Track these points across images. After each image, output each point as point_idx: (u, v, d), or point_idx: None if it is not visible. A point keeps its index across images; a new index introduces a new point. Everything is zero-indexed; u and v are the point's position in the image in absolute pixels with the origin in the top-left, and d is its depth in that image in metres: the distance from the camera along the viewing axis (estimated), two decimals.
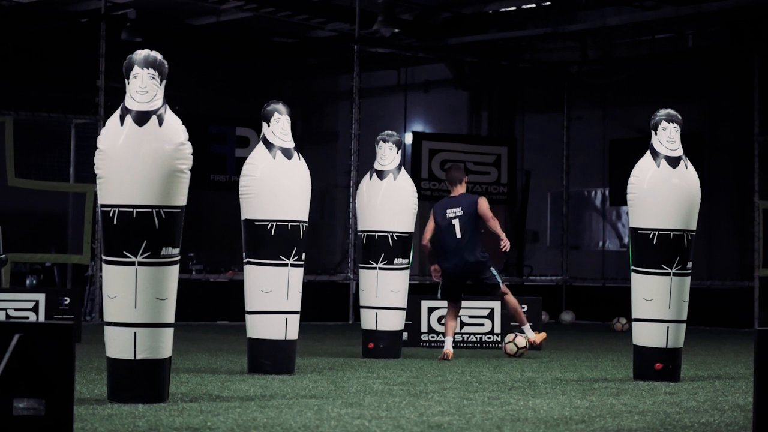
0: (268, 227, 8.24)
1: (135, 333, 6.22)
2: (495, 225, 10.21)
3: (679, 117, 8.39)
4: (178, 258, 6.38)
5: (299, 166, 8.39)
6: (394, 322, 10.21)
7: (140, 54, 6.46)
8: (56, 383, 4.29)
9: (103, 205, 6.34)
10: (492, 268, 10.34)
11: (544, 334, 10.59)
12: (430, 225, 10.36)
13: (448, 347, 10.12)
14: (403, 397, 6.75)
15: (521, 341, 10.41)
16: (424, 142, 19.82)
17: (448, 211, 10.28)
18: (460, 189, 10.42)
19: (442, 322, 11.77)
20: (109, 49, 16.11)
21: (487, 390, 7.32)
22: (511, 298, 10.32)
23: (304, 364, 9.07)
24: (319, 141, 21.82)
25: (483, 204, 10.25)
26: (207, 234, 20.37)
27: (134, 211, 6.23)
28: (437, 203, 10.59)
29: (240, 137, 18.22)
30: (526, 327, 10.36)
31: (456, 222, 10.21)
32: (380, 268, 10.16)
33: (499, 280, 10.34)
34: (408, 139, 19.93)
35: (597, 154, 20.07)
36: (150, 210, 6.24)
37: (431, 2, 19.47)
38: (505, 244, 10.00)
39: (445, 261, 10.24)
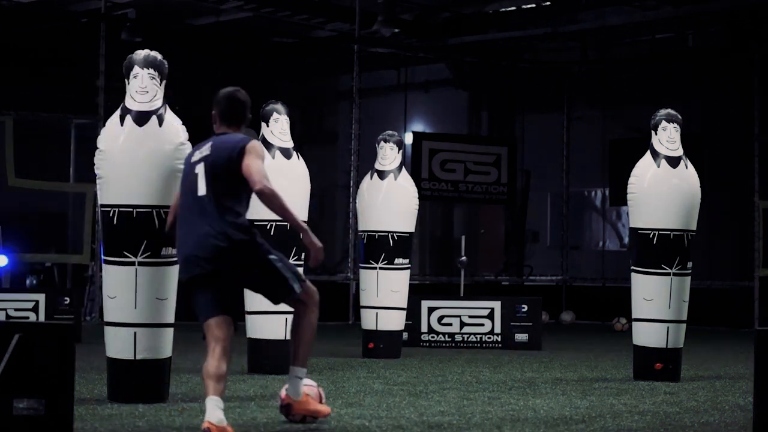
0: (268, 227, 8.25)
1: (135, 333, 6.23)
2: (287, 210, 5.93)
3: (679, 117, 8.40)
4: None
5: (298, 166, 8.41)
6: (394, 322, 10.22)
7: (140, 54, 6.47)
8: (56, 383, 4.32)
9: (103, 205, 6.35)
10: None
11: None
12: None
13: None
14: (403, 397, 6.76)
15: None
16: (424, 142, 19.83)
17: (195, 152, 5.80)
18: (226, 129, 5.95)
19: (443, 322, 11.79)
20: (109, 49, 16.11)
21: (487, 390, 7.34)
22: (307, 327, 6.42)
23: None
24: (318, 141, 21.82)
25: (254, 150, 5.69)
26: None
27: (134, 211, 6.24)
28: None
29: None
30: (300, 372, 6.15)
31: (200, 170, 5.66)
32: (381, 268, 10.17)
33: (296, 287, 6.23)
34: (408, 139, 19.92)
35: (597, 154, 20.07)
36: (150, 210, 6.26)
37: (431, 2, 19.48)
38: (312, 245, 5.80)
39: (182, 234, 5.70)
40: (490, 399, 6.76)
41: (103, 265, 6.43)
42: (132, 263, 6.23)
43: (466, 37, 19.93)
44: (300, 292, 5.87)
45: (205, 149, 5.70)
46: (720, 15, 17.84)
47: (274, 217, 8.21)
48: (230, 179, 5.52)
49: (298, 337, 6.01)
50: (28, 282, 18.05)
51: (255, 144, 5.66)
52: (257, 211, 8.28)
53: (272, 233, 8.24)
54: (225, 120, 5.93)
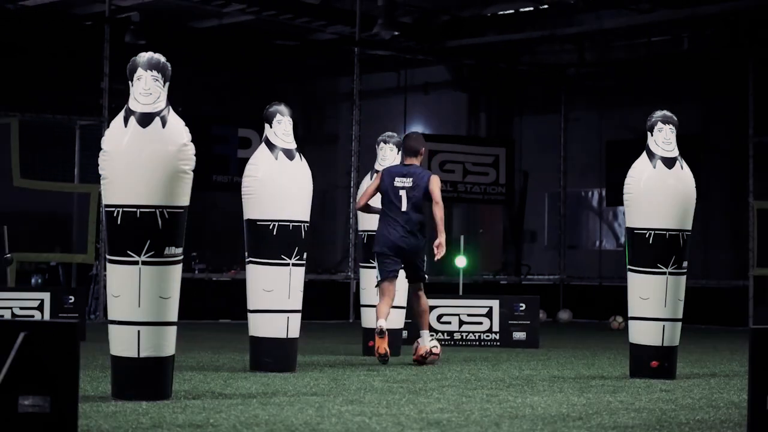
0: (270, 227, 8.28)
1: (139, 331, 6.22)
2: (440, 213, 9.10)
3: (675, 118, 8.43)
4: (181, 257, 6.39)
5: (301, 167, 8.42)
6: (394, 320, 10.26)
7: (144, 56, 6.45)
8: (61, 381, 4.30)
9: (107, 206, 6.34)
10: (425, 258, 9.44)
11: (435, 349, 9.27)
12: (374, 185, 9.39)
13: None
14: (403, 395, 6.76)
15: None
16: None
17: (397, 179, 9.28)
18: (411, 161, 9.36)
19: (442, 320, 11.85)
20: (113, 51, 16.16)
21: (486, 387, 7.35)
22: (425, 299, 9.37)
23: (306, 362, 9.09)
24: (320, 142, 21.86)
25: (435, 184, 9.21)
26: (210, 234, 20.42)
27: (138, 211, 6.22)
28: (385, 169, 9.49)
29: (242, 138, 18.27)
30: (425, 332, 9.31)
31: (404, 194, 9.22)
32: None
33: (425, 276, 9.39)
34: None
35: (594, 155, 20.12)
36: (153, 210, 6.23)
37: (431, 5, 19.53)
38: (439, 247, 8.95)
39: (384, 234, 9.20)
40: (489, 396, 6.77)
41: (107, 265, 6.43)
42: (136, 262, 6.22)
43: (465, 39, 19.99)
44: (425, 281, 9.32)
45: (408, 181, 9.21)
46: (715, 18, 17.88)
47: (276, 217, 8.33)
48: (422, 202, 9.18)
49: (423, 309, 9.32)
50: (33, 281, 18.10)
51: (435, 177, 9.31)
52: (263, 211, 8.40)
53: (275, 232, 8.30)
54: (408, 154, 9.37)
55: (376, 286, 9.40)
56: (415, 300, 9.36)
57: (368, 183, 10.32)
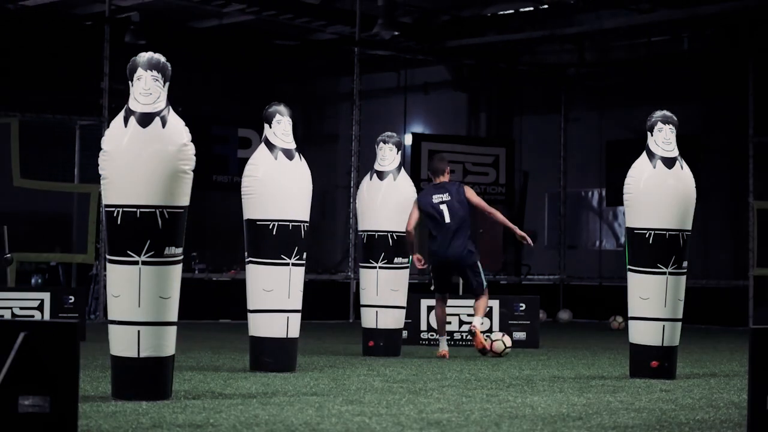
0: (270, 227, 8.30)
1: (138, 331, 6.23)
2: (500, 216, 10.06)
3: (675, 118, 8.44)
4: (181, 257, 6.40)
5: (300, 167, 8.44)
6: (394, 320, 10.28)
7: (144, 56, 6.46)
8: (61, 381, 4.30)
9: (107, 206, 6.35)
10: (480, 266, 10.08)
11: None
12: (414, 213, 10.06)
13: (445, 347, 10.15)
14: (403, 395, 6.77)
15: (508, 341, 10.37)
16: (423, 143, 19.88)
17: (434, 196, 10.05)
18: (441, 179, 10.23)
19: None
20: (113, 51, 16.17)
21: (486, 387, 7.36)
22: (482, 300, 10.09)
23: (305, 362, 9.10)
24: (319, 142, 21.87)
25: (471, 192, 10.12)
26: (210, 234, 20.42)
27: (138, 211, 6.23)
28: (422, 192, 10.34)
29: (242, 138, 18.28)
30: (477, 318, 10.04)
31: (444, 207, 9.98)
32: (380, 267, 10.23)
33: (485, 282, 10.13)
34: (407, 140, 19.98)
35: (594, 155, 20.13)
36: (153, 210, 6.24)
37: (430, 5, 19.54)
38: (525, 238, 9.94)
39: (434, 249, 10.01)
40: (489, 396, 6.78)
41: (107, 265, 6.44)
42: (136, 262, 6.23)
43: (465, 39, 19.99)
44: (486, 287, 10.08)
45: (445, 195, 9.93)
46: (715, 18, 17.88)
47: (276, 217, 8.34)
48: (465, 214, 9.90)
49: (479, 306, 10.06)
50: (33, 281, 18.11)
51: (467, 187, 10.11)
52: (263, 211, 8.42)
53: (274, 232, 8.31)
54: (435, 174, 10.19)
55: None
56: (475, 302, 10.12)
57: (368, 183, 10.36)
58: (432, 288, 10.28)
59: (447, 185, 10.13)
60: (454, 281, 10.48)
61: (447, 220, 9.93)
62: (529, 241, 10.04)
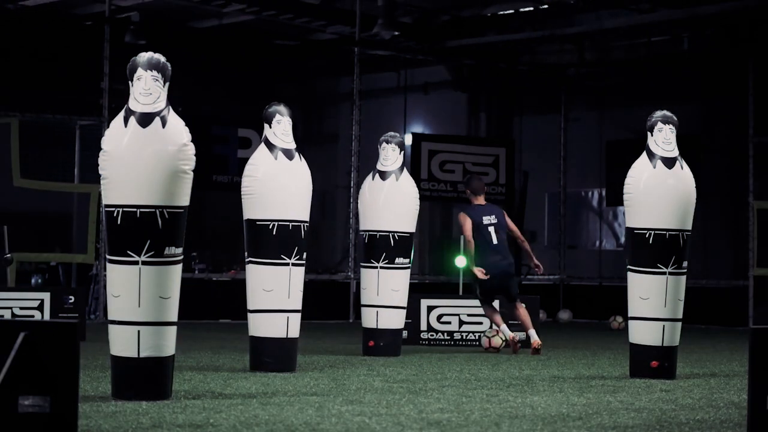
0: (270, 227, 8.30)
1: (138, 331, 6.23)
2: (527, 245, 11.42)
3: (675, 118, 8.44)
4: (181, 257, 6.39)
5: (300, 167, 8.44)
6: (394, 320, 10.28)
7: (144, 56, 6.45)
8: (61, 381, 4.30)
9: (107, 206, 6.35)
10: (516, 281, 11.27)
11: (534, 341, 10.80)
12: (469, 223, 11.01)
13: (510, 333, 10.90)
14: (403, 395, 6.77)
15: (503, 335, 11.01)
16: (423, 143, 19.90)
17: (484, 217, 11.06)
18: (482, 199, 11.25)
19: (442, 320, 11.90)
20: (113, 51, 16.17)
21: (486, 387, 7.36)
22: (521, 310, 11.05)
23: (306, 362, 9.11)
24: (320, 142, 21.88)
25: (509, 219, 11.28)
26: (210, 234, 20.44)
27: (138, 211, 6.22)
28: (469, 207, 11.24)
29: (242, 138, 18.29)
30: (532, 332, 10.85)
31: (492, 229, 11.01)
32: (381, 268, 10.23)
33: (516, 295, 11.14)
34: (407, 140, 19.99)
35: (594, 155, 20.14)
36: (153, 210, 6.23)
37: (431, 5, 19.55)
38: (538, 267, 11.21)
39: (485, 265, 10.94)
40: (489, 396, 6.78)
41: (107, 265, 6.44)
42: (136, 262, 6.23)
43: (465, 39, 20.00)
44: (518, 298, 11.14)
45: (492, 218, 11.01)
46: (715, 18, 17.89)
47: (276, 217, 8.35)
48: (505, 234, 11.03)
49: (522, 316, 10.97)
50: (33, 281, 18.12)
51: (504, 213, 11.30)
52: (263, 211, 8.42)
53: (274, 232, 8.31)
54: (478, 193, 11.21)
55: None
56: (515, 311, 11.08)
57: (370, 182, 10.38)
58: (479, 296, 11.19)
59: (493, 209, 11.27)
60: (494, 292, 11.33)
61: (494, 242, 11.01)
62: (541, 269, 11.35)
